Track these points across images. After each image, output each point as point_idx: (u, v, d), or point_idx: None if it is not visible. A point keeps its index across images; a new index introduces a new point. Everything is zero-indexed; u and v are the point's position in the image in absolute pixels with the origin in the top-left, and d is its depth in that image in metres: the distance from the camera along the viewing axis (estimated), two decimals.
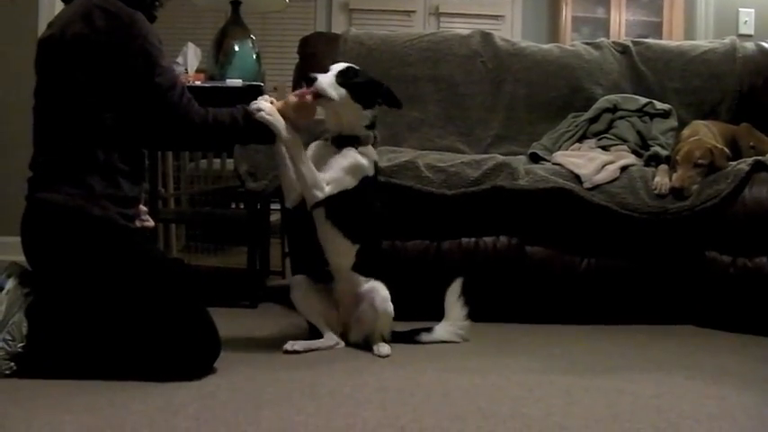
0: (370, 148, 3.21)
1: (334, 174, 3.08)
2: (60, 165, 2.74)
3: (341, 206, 3.09)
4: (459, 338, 3.31)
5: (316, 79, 3.03)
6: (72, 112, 2.76)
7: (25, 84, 5.16)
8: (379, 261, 3.27)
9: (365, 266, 3.18)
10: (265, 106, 2.94)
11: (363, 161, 3.15)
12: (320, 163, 3.11)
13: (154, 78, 2.78)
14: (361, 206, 3.14)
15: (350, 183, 3.11)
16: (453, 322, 3.31)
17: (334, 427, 2.25)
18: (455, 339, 3.31)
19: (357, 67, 3.20)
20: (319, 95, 3.03)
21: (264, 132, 2.97)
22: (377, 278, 3.19)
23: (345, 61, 3.58)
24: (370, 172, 3.19)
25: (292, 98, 3.06)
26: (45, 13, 5.36)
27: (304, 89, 3.04)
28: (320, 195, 3.05)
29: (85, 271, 2.71)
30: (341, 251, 3.15)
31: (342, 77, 3.09)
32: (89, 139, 2.75)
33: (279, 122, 2.96)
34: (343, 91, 3.08)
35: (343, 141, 3.15)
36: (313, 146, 3.19)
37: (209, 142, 3.08)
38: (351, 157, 3.12)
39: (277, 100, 3.11)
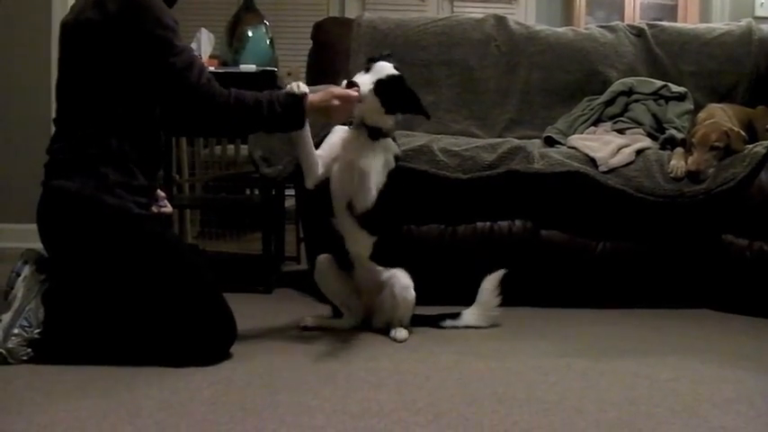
0: (391, 142, 3.19)
1: (375, 177, 3.05)
2: (75, 152, 2.75)
3: None
4: (485, 324, 3.31)
5: (358, 87, 3.01)
6: (87, 98, 2.77)
7: (42, 72, 5.23)
8: (399, 251, 3.26)
9: (384, 256, 3.18)
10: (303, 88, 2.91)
11: (389, 157, 3.15)
12: (345, 151, 3.10)
13: (168, 59, 2.75)
14: (381, 200, 3.11)
15: (383, 179, 3.09)
16: (484, 308, 3.30)
17: (350, 411, 2.25)
18: (482, 324, 3.31)
19: (396, 73, 3.14)
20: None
21: (288, 121, 2.92)
22: (396, 266, 3.18)
23: (358, 46, 3.58)
24: (394, 165, 3.18)
25: (335, 99, 2.99)
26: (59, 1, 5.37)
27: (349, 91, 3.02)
28: (370, 203, 3.04)
29: (101, 258, 2.73)
30: (359, 241, 3.15)
31: (379, 87, 3.06)
32: (103, 126, 2.75)
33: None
34: (376, 99, 3.06)
35: (368, 130, 3.12)
36: (338, 130, 3.17)
37: (231, 124, 2.98)
38: (380, 155, 3.11)
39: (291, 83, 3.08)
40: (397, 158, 3.22)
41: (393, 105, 3.11)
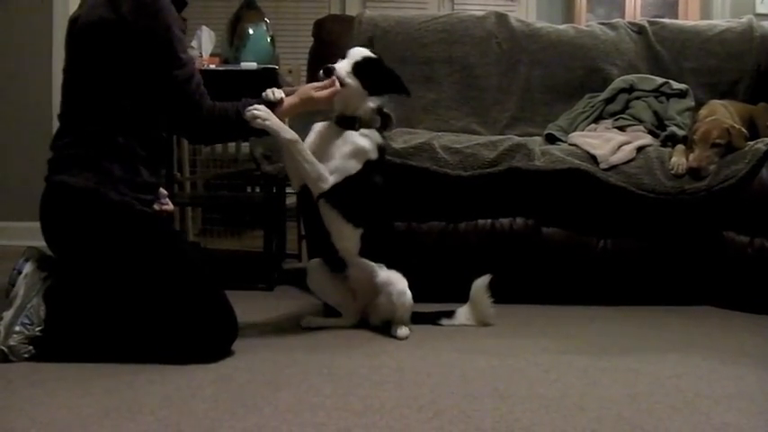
0: (373, 132, 3.19)
1: (337, 162, 3.08)
2: (80, 148, 2.75)
3: (341, 190, 3.09)
4: (480, 324, 3.30)
5: (334, 70, 3.06)
6: (93, 94, 2.78)
7: (44, 69, 5.24)
8: (389, 247, 3.25)
9: (374, 252, 3.17)
10: (260, 113, 2.89)
11: (365, 144, 3.14)
12: (322, 145, 3.11)
13: (172, 70, 2.79)
14: (361, 190, 3.12)
15: (353, 168, 3.10)
16: (476, 307, 3.30)
17: (351, 409, 2.25)
18: (476, 323, 3.30)
19: (373, 56, 3.21)
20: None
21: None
22: (390, 265, 3.17)
23: (359, 44, 3.59)
24: (374, 155, 3.16)
25: (312, 91, 3.06)
26: None
27: (326, 81, 3.06)
28: (325, 186, 3.06)
29: (103, 255, 2.73)
30: (344, 235, 3.14)
31: (357, 68, 3.11)
32: (109, 123, 2.76)
33: (276, 125, 2.93)
34: (356, 81, 3.11)
35: (345, 122, 3.15)
36: (316, 126, 3.19)
37: (215, 136, 3.09)
38: (352, 141, 3.12)
39: (293, 84, 3.11)
40: (381, 149, 3.22)
41: (374, 86, 3.15)
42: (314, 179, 3.05)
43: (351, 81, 3.10)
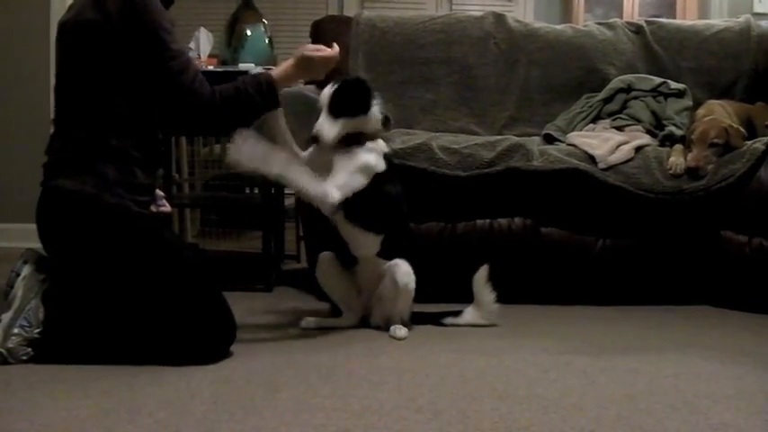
0: (378, 142, 3.18)
1: (342, 177, 3.03)
2: (74, 151, 2.75)
3: (358, 206, 3.06)
4: (487, 322, 3.30)
5: (319, 138, 3.01)
6: (86, 97, 2.77)
7: (42, 72, 5.23)
8: (407, 244, 3.26)
9: (391, 251, 3.18)
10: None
11: (371, 159, 3.10)
12: (326, 164, 3.06)
13: (166, 63, 2.77)
14: (378, 202, 3.11)
15: (360, 182, 3.06)
16: (482, 306, 3.30)
17: (350, 410, 2.25)
18: (483, 323, 3.30)
19: (346, 81, 3.16)
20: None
21: (272, 99, 2.95)
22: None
23: (357, 44, 3.59)
24: (381, 168, 3.14)
25: (310, 52, 3.06)
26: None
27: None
28: (333, 202, 2.98)
29: (101, 257, 2.72)
30: (366, 244, 3.16)
31: (332, 111, 3.05)
32: (102, 126, 2.76)
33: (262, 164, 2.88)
34: (339, 123, 3.05)
35: (349, 139, 3.10)
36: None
37: (222, 122, 3.01)
38: (356, 157, 3.08)
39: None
40: (388, 158, 3.20)
41: (357, 109, 3.10)
42: (319, 199, 2.97)
43: (334, 131, 3.03)
